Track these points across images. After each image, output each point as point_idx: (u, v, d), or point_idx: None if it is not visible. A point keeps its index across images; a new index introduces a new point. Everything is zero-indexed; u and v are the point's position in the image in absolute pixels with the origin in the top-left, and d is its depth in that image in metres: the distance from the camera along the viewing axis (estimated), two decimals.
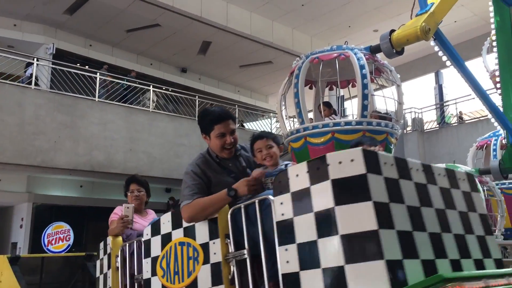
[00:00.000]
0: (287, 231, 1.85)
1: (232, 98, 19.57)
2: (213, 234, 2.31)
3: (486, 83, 7.06)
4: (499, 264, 2.09)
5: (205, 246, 2.33)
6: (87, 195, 14.99)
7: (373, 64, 4.31)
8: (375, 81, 4.43)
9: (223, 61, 18.34)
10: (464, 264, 1.87)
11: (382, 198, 1.68)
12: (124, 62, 17.40)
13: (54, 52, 14.74)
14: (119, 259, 3.18)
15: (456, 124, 14.82)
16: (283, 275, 1.83)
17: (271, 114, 18.14)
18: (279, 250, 1.87)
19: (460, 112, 15.06)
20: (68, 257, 7.83)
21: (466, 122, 14.60)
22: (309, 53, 4.46)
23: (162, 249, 2.60)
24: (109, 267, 3.34)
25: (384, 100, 4.39)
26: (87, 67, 14.61)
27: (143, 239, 2.79)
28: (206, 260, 2.30)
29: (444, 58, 4.74)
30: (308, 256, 1.75)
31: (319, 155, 1.82)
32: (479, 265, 1.97)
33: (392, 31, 4.16)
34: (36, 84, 11.49)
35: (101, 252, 3.58)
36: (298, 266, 1.77)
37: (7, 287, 6.01)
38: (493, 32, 5.33)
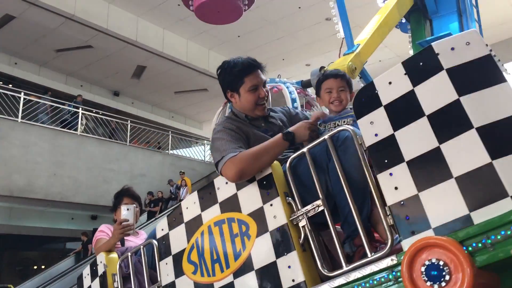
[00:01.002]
0: (388, 152, 1.53)
1: (166, 123, 19.34)
2: (267, 196, 1.84)
3: None
4: None
5: (258, 214, 1.86)
6: (4, 221, 13.92)
7: (304, 98, 4.49)
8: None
9: (157, 86, 18.16)
10: None
11: None
12: (53, 82, 16.68)
13: None
14: (117, 277, 2.52)
15: None
16: (392, 206, 1.50)
17: (205, 141, 18.12)
18: (379, 179, 1.54)
19: None
20: None
21: None
22: None
23: (189, 240, 2.08)
24: None
25: None
26: (10, 85, 13.83)
27: (157, 238, 2.28)
28: (261, 230, 1.83)
29: None
30: (428, 170, 1.44)
31: None
32: None
33: (322, 67, 4.38)
34: None
35: (87, 279, 2.77)
36: (415, 188, 1.45)
37: None
38: None
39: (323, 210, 1.71)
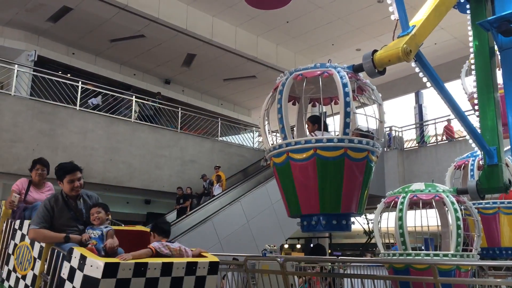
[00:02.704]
0: (61, 283, 2.98)
1: (215, 110, 19.58)
2: (40, 255, 3.43)
3: (464, 105, 7.22)
4: None
5: (35, 259, 3.46)
6: None
7: (355, 83, 4.36)
8: (357, 99, 4.49)
9: (207, 73, 18.38)
10: None
11: None
12: (107, 71, 17.28)
13: (35, 59, 14.55)
14: (4, 225, 4.47)
15: (435, 143, 15.08)
16: None
17: (254, 128, 18.19)
18: None
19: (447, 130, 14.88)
20: None
21: (444, 142, 14.86)
22: (293, 69, 4.49)
23: (19, 241, 3.77)
24: None
25: (365, 118, 4.45)
26: (69, 75, 14.46)
27: (17, 226, 3.96)
28: (32, 268, 3.45)
29: (424, 79, 4.83)
30: None
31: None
32: None
33: (375, 51, 4.23)
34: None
35: None
36: None
37: None
38: (472, 55, 5.46)
39: None
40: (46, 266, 3.30)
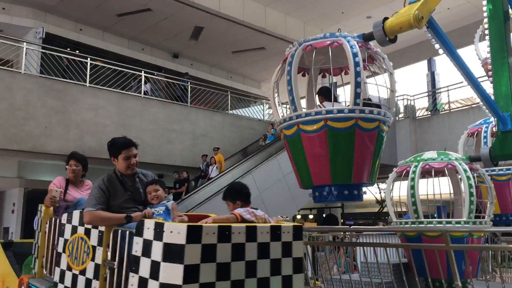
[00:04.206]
0: (135, 263, 2.61)
1: (225, 84, 19.49)
2: (100, 241, 3.04)
3: (477, 71, 7.09)
4: None
5: (94, 248, 3.10)
6: None
7: (366, 52, 4.29)
8: (367, 68, 4.43)
9: (215, 46, 18.21)
10: None
11: (194, 261, 2.35)
12: (115, 47, 17.22)
13: (43, 36, 14.53)
14: (47, 226, 4.07)
15: (448, 111, 14.90)
16: None
17: (264, 100, 18.11)
18: (129, 275, 2.66)
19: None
20: None
21: (457, 109, 14.68)
22: (302, 40, 4.43)
23: (71, 235, 3.39)
24: (39, 229, 4.25)
25: (376, 87, 4.40)
26: (77, 51, 14.44)
27: (62, 221, 3.58)
28: (92, 258, 3.07)
29: (437, 45, 4.74)
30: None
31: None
32: None
33: (385, 18, 4.14)
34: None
35: (38, 213, 4.38)
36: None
37: (0, 272, 6.01)
38: (486, 20, 5.33)
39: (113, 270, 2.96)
40: (109, 252, 2.94)
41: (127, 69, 13.62)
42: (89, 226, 3.18)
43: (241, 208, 3.03)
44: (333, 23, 16.84)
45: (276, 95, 4.64)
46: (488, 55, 5.24)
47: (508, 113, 4.85)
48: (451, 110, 14.78)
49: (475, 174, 5.45)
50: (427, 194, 5.88)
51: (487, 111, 5.20)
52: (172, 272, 2.34)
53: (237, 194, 3.22)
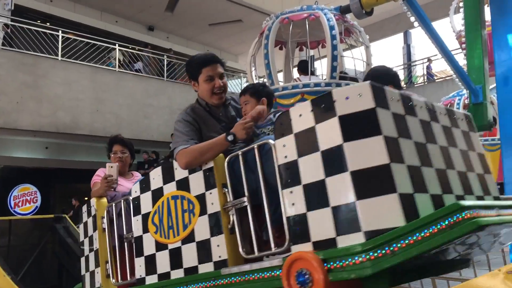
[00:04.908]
0: (291, 173, 1.82)
1: None
2: (209, 185, 2.24)
3: (452, 43, 7.17)
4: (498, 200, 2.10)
5: (201, 198, 2.26)
6: (53, 156, 14.69)
7: (342, 25, 4.30)
8: (344, 41, 4.44)
9: (191, 19, 17.86)
10: (467, 200, 1.83)
11: (391, 133, 1.65)
12: (88, 19, 16.70)
13: (12, 8, 13.96)
14: (105, 220, 3.07)
15: (423, 84, 15.11)
16: (288, 218, 1.81)
17: (241, 74, 17.99)
18: (283, 193, 1.83)
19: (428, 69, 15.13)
20: (36, 219, 7.77)
21: (432, 82, 14.90)
22: (279, 13, 4.40)
23: (153, 205, 2.53)
24: (94, 229, 3.20)
25: (353, 60, 4.42)
26: (48, 24, 13.97)
27: (131, 197, 2.71)
28: (202, 212, 2.25)
29: (412, 18, 4.76)
30: (316, 196, 1.73)
31: None
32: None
33: None
34: None
35: (85, 215, 3.40)
36: (305, 207, 1.76)
37: None
38: None
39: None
40: (230, 191, 2.15)
41: (101, 42, 13.28)
42: (184, 174, 2.37)
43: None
44: None
45: (253, 68, 4.62)
46: (463, 28, 5.29)
47: (480, 85, 4.95)
48: (426, 83, 14.99)
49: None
50: None
51: (460, 83, 5.29)
52: (366, 151, 1.64)
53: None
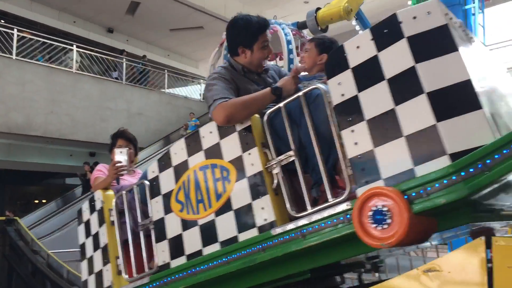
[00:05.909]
0: (351, 111, 1.69)
1: (162, 62, 19.13)
2: (246, 145, 2.05)
3: None
4: None
5: (237, 161, 2.07)
6: (4, 157, 14.19)
7: (299, 40, 4.52)
8: (301, 56, 4.66)
9: (152, 23, 17.77)
10: None
11: (463, 51, 1.57)
12: (45, 18, 16.29)
13: None
14: (114, 212, 2.76)
15: None
16: (352, 159, 1.69)
17: (201, 80, 18.05)
18: (343, 135, 1.72)
19: None
20: None
21: None
22: None
23: (176, 182, 2.33)
24: (101, 224, 2.89)
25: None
26: (2, 21, 13.54)
27: (148, 179, 2.49)
28: (240, 176, 2.06)
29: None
30: (384, 129, 1.60)
31: None
32: None
33: (318, 9, 4.39)
34: None
35: (86, 213, 3.04)
36: (372, 144, 1.63)
37: None
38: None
39: (294, 159, 1.92)
40: (272, 149, 1.98)
41: (58, 42, 13.01)
42: (214, 141, 2.16)
43: None
44: (272, 6, 17.01)
45: None
46: None
47: None
48: None
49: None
50: None
51: None
52: (443, 69, 1.53)
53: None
